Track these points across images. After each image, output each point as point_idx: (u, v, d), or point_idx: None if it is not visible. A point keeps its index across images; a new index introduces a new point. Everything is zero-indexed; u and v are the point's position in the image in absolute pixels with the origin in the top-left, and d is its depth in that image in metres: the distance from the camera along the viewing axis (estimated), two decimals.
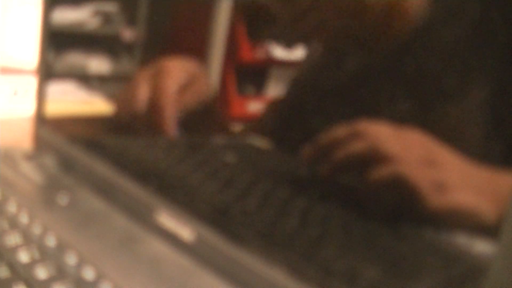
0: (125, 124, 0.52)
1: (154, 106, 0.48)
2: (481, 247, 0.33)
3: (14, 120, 0.66)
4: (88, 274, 0.30)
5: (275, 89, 0.55)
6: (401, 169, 0.36)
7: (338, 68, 0.44)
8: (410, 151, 0.37)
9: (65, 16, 1.79)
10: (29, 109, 0.51)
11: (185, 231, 0.35)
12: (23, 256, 0.32)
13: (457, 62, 0.42)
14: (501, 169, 0.35)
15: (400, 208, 0.37)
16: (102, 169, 0.42)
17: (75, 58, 1.84)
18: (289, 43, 0.59)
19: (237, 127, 0.53)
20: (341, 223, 0.38)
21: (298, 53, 0.52)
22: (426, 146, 0.37)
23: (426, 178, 0.35)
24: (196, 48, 0.58)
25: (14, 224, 0.35)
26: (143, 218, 0.37)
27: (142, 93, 0.50)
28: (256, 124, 0.51)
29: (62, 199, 0.40)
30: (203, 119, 0.50)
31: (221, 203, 0.39)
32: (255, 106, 0.52)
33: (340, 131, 0.40)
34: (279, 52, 0.60)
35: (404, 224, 0.37)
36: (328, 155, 0.40)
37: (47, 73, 0.50)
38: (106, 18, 1.82)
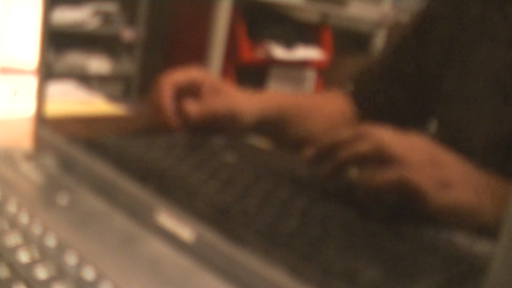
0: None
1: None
2: (481, 247, 0.33)
3: (14, 120, 0.66)
4: (88, 274, 0.30)
5: (274, 89, 0.55)
6: (405, 171, 0.36)
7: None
8: (413, 153, 0.37)
9: (65, 16, 1.79)
10: (29, 109, 0.51)
11: (185, 231, 0.35)
12: (23, 256, 0.32)
13: (457, 63, 0.42)
14: (501, 171, 0.35)
15: (403, 208, 0.37)
16: (102, 169, 0.42)
17: (75, 58, 1.84)
18: (289, 43, 0.59)
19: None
20: (341, 223, 0.38)
21: (297, 53, 0.52)
22: (428, 148, 0.37)
23: (429, 178, 0.35)
24: (196, 48, 0.58)
25: (14, 224, 0.35)
26: (143, 218, 0.37)
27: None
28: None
29: (62, 199, 0.40)
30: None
31: (221, 203, 0.39)
32: None
33: (343, 132, 0.40)
34: (279, 52, 0.60)
35: (405, 224, 0.37)
36: (331, 155, 0.39)
37: (47, 73, 0.50)
38: (106, 18, 1.82)
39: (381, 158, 0.37)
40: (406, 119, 0.46)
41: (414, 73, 0.45)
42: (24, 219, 0.36)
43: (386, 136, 0.38)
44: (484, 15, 0.40)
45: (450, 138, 0.41)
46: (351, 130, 0.39)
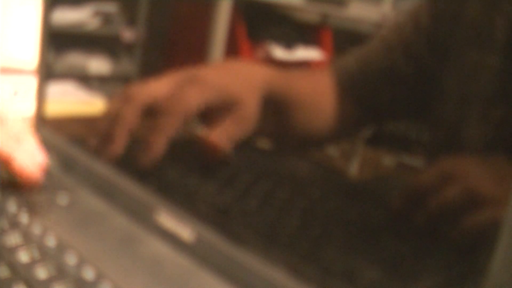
0: None
1: None
2: (481, 247, 0.33)
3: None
4: (88, 274, 0.30)
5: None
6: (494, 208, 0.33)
7: None
8: (499, 185, 0.33)
9: (65, 16, 1.79)
10: (29, 109, 0.51)
11: (185, 231, 0.35)
12: (23, 256, 0.31)
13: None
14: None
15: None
16: (102, 169, 0.42)
17: (75, 59, 1.84)
18: (289, 44, 0.59)
19: None
20: (341, 223, 0.38)
21: (297, 53, 0.52)
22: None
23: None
24: (196, 49, 0.58)
25: (14, 224, 0.35)
26: (143, 218, 0.37)
27: None
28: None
29: (62, 199, 0.40)
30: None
31: (221, 203, 0.39)
32: None
33: (429, 175, 0.38)
34: (279, 52, 0.60)
35: (405, 224, 0.37)
36: (421, 203, 0.37)
37: (47, 73, 0.50)
38: (106, 18, 1.82)
39: (472, 199, 0.34)
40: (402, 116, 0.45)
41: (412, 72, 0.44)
42: (24, 219, 0.36)
43: (473, 173, 0.35)
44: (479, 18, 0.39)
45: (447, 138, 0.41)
46: (433, 171, 0.37)
